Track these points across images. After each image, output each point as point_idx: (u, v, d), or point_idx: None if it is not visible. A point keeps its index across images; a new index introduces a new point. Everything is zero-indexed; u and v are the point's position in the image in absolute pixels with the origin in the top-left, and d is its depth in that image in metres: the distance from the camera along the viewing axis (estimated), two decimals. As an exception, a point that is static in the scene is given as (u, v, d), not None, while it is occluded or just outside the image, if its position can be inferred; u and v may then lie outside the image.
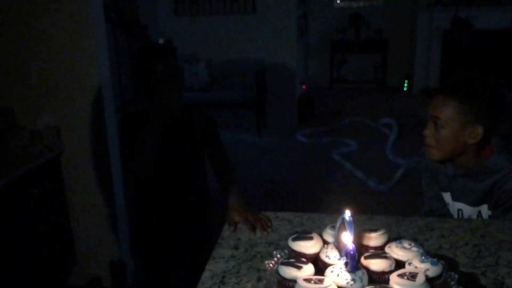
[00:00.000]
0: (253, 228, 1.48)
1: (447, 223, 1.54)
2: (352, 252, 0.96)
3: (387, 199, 3.81)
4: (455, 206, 1.66)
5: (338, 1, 7.62)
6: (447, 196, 1.69)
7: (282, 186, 4.17)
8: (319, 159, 4.87)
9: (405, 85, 7.26)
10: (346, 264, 0.99)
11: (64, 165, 2.65)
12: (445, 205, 1.73)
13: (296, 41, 5.84)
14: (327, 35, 7.60)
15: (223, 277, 1.24)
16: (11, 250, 2.19)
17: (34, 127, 2.56)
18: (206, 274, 1.27)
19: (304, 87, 6.39)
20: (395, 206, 3.61)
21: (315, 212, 1.65)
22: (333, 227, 1.16)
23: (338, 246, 1.06)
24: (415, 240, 1.41)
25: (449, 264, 1.24)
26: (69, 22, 2.48)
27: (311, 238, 1.13)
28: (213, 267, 1.30)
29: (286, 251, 1.18)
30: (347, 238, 0.99)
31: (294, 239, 1.14)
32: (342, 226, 1.05)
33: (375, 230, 1.16)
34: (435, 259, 1.02)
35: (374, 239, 1.13)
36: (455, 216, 1.67)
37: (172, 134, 1.78)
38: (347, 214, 1.04)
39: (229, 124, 5.93)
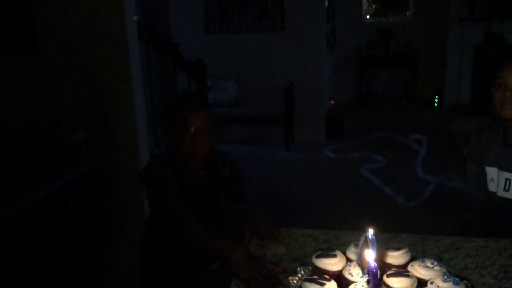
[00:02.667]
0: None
1: (473, 243, 1.54)
2: (374, 270, 0.98)
3: (416, 216, 3.77)
4: (502, 177, 1.73)
5: (368, 17, 7.63)
6: (492, 171, 1.78)
7: (309, 202, 4.17)
8: (347, 174, 4.85)
9: (436, 100, 7.17)
10: (368, 282, 1.01)
11: (97, 179, 2.73)
12: (484, 188, 1.81)
13: (324, 57, 5.87)
14: (356, 50, 7.61)
15: (249, 291, 1.28)
16: (44, 260, 2.27)
17: (69, 142, 2.66)
18: (232, 288, 1.30)
19: (332, 102, 6.41)
20: (424, 224, 3.56)
21: (342, 229, 1.67)
22: (356, 245, 1.18)
23: (361, 264, 1.08)
24: (439, 259, 1.41)
25: (474, 284, 1.24)
26: (104, 41, 2.58)
27: (334, 256, 1.15)
28: (239, 282, 1.33)
29: (310, 268, 1.20)
30: (370, 256, 1.01)
31: (318, 256, 1.16)
32: (365, 244, 1.07)
33: (398, 249, 1.17)
34: (457, 279, 1.03)
35: (397, 258, 1.15)
36: (502, 188, 1.74)
37: (197, 197, 1.76)
38: (370, 232, 1.06)
39: (257, 139, 5.99)
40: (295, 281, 1.12)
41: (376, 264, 0.99)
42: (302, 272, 1.18)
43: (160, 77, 3.85)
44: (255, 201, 4.16)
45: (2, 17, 2.43)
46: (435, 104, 7.18)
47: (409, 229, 3.41)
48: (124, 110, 2.67)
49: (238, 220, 1.80)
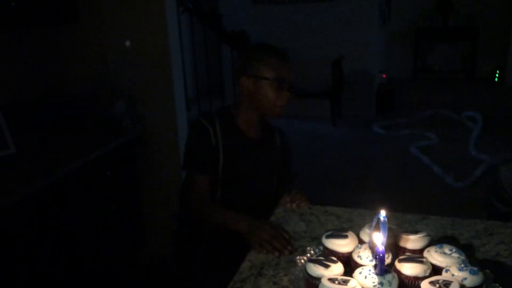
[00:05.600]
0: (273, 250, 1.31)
1: (509, 229, 1.43)
2: (381, 254, 0.93)
3: (464, 197, 3.60)
4: None
5: (427, -14, 7.22)
6: None
7: (353, 179, 4.08)
8: (395, 152, 4.70)
9: (497, 76, 6.74)
10: (375, 266, 0.95)
11: (137, 150, 2.79)
12: None
13: (377, 29, 5.64)
14: (412, 22, 7.24)
15: (261, 268, 1.25)
16: (84, 227, 2.35)
17: (110, 113, 2.72)
18: (245, 264, 1.28)
19: (384, 76, 6.17)
20: (471, 205, 3.39)
21: (368, 209, 1.60)
22: (371, 226, 1.12)
23: (372, 246, 1.03)
24: (470, 244, 1.33)
25: (503, 273, 1.15)
26: (142, 13, 2.59)
27: (345, 237, 1.10)
28: (253, 258, 1.31)
29: (321, 248, 1.16)
30: (378, 239, 0.95)
31: (328, 237, 1.11)
32: (378, 226, 1.01)
33: (415, 232, 1.11)
34: (475, 268, 0.95)
35: (412, 242, 1.08)
36: None
37: (252, 151, 1.66)
38: (382, 214, 1.00)
39: (303, 113, 5.90)
40: (302, 261, 1.08)
41: (384, 248, 0.93)
42: (312, 251, 1.14)
43: (203, 49, 3.83)
44: (298, 176, 4.13)
45: (45, -11, 2.48)
46: (496, 80, 6.75)
47: (456, 210, 3.29)
48: (163, 82, 2.69)
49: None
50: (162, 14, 2.58)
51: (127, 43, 2.56)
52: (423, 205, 3.40)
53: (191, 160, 1.62)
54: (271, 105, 1.57)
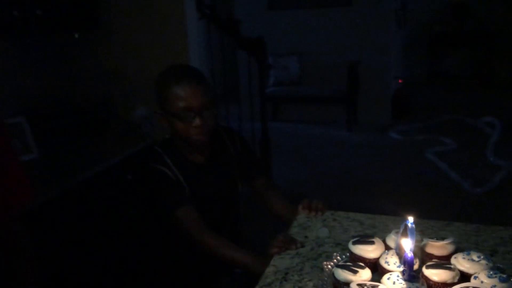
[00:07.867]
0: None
1: (535, 236, 1.42)
2: (409, 260, 0.93)
3: (482, 203, 3.56)
4: None
5: (442, -9, 7.21)
6: None
7: (368, 185, 4.06)
8: (412, 157, 4.67)
9: (514, 81, 6.69)
10: (403, 272, 0.96)
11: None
12: None
13: (392, 34, 5.63)
14: (427, 27, 7.22)
15: (286, 273, 1.26)
16: (104, 229, 2.38)
17: (131, 118, 2.76)
18: (269, 269, 1.29)
19: (400, 81, 6.15)
20: (491, 212, 3.36)
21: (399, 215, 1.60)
22: (397, 233, 1.13)
23: (399, 252, 1.03)
24: (494, 251, 1.32)
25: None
26: (162, 19, 2.62)
27: (372, 243, 1.11)
28: (278, 263, 1.32)
29: (348, 253, 1.16)
30: (407, 246, 0.96)
31: (355, 243, 1.12)
32: (405, 232, 1.02)
33: (442, 239, 1.11)
34: (505, 275, 0.95)
35: (439, 248, 1.08)
36: None
37: (205, 176, 1.60)
38: (410, 220, 1.00)
39: (319, 119, 5.90)
40: (329, 266, 1.09)
41: (412, 254, 0.94)
42: (338, 257, 1.14)
43: (220, 55, 3.86)
44: (313, 182, 4.13)
45: (68, -3, 2.53)
46: (513, 85, 6.69)
47: (474, 217, 3.26)
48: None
49: (255, 197, 1.74)
50: (182, 21, 2.61)
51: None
52: (441, 211, 3.37)
53: (167, 201, 1.53)
54: (186, 136, 1.50)
